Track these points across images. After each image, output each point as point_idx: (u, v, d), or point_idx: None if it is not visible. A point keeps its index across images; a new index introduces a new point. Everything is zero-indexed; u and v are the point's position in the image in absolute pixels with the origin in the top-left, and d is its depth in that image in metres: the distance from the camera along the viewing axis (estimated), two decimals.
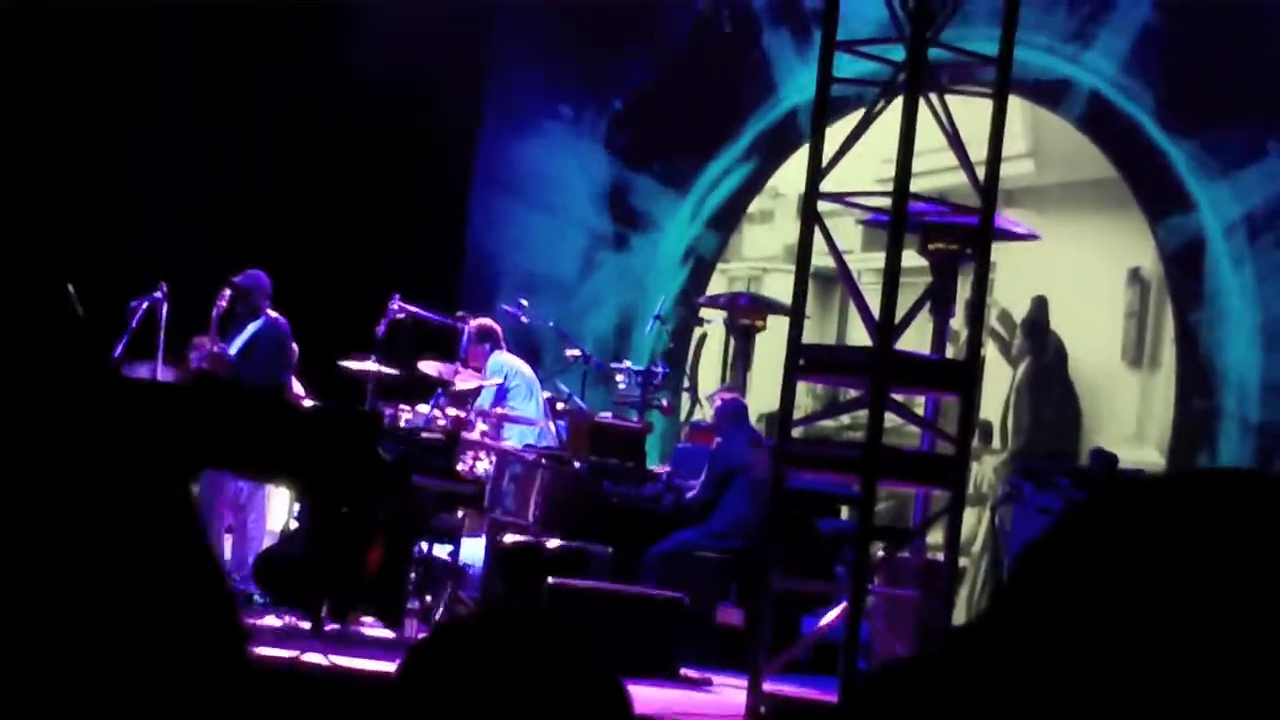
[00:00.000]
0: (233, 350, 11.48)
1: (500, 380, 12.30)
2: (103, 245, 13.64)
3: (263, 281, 11.65)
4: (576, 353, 13.43)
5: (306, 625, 10.04)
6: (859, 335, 9.30)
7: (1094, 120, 14.42)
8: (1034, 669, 1.07)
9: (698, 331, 14.89)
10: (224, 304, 11.45)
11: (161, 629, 1.03)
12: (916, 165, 8.68)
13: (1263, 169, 13.55)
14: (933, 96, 8.66)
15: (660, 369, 13.35)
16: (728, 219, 16.30)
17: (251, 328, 11.56)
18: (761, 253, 16.29)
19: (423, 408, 11.72)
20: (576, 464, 12.02)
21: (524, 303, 13.51)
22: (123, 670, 1.00)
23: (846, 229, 12.43)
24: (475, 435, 11.44)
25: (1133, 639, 1.05)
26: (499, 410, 12.12)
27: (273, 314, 11.61)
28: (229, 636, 1.08)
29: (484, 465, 11.27)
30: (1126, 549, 1.08)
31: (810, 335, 10.60)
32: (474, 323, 12.58)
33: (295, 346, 11.90)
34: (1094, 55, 14.42)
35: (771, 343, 12.21)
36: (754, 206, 16.39)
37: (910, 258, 9.11)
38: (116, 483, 1.05)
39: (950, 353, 10.69)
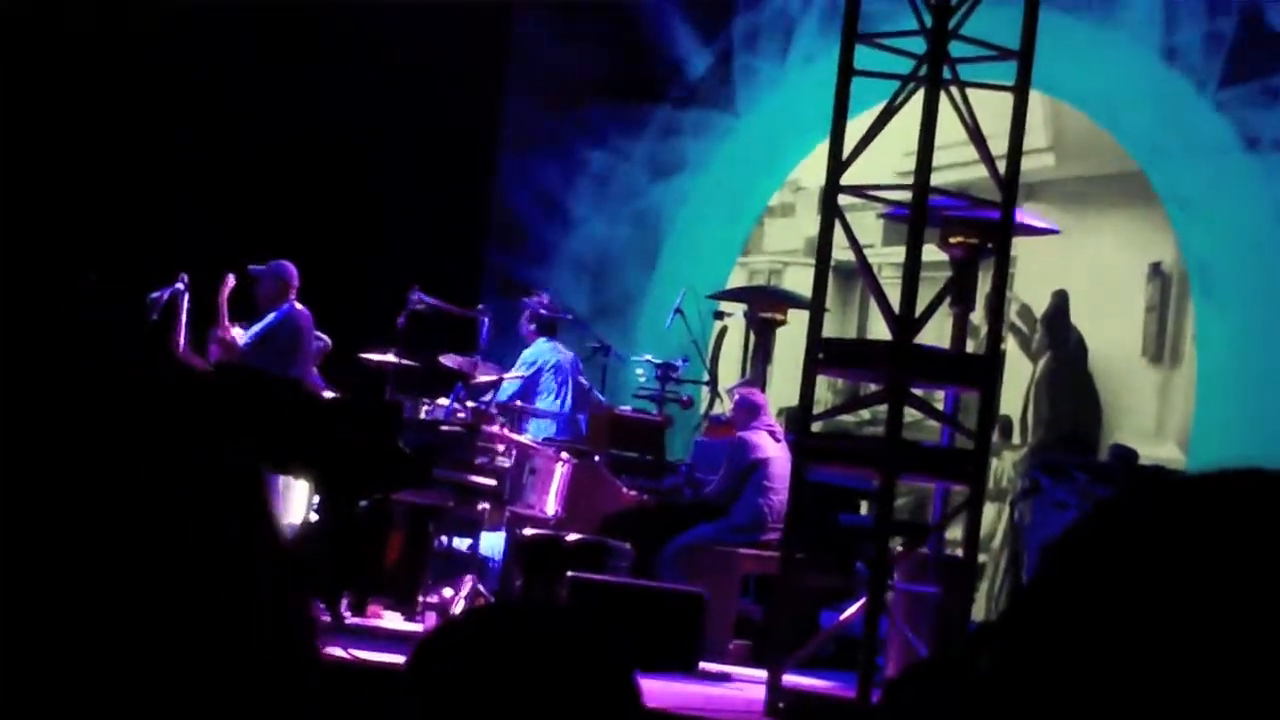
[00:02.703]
0: (248, 339, 11.48)
1: (524, 373, 12.35)
2: (124, 236, 13.67)
3: (283, 271, 11.59)
4: (596, 345, 13.44)
5: (326, 618, 10.06)
6: (879, 329, 9.30)
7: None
8: (1058, 670, 1.07)
9: (718, 325, 14.87)
10: (227, 291, 11.47)
11: (237, 617, 1.03)
12: (939, 159, 8.66)
13: None
14: (953, 90, 8.64)
15: (680, 362, 13.35)
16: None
17: (270, 317, 11.55)
18: (782, 246, 16.27)
19: (443, 401, 11.74)
20: (596, 457, 12.03)
21: (544, 296, 13.52)
22: (197, 659, 1.00)
23: (867, 223, 12.41)
24: (495, 428, 11.45)
25: (1162, 643, 1.04)
26: (518, 404, 12.14)
27: (298, 306, 11.58)
28: (301, 627, 1.08)
29: (504, 460, 11.28)
30: (1157, 549, 1.07)
31: (830, 329, 10.59)
32: (534, 301, 12.79)
33: (323, 340, 11.87)
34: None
35: (792, 337, 12.20)
36: (774, 200, 16.38)
37: (930, 252, 9.09)
38: (195, 469, 1.05)
39: (970, 347, 10.67)
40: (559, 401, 12.52)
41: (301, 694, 1.05)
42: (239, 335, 11.54)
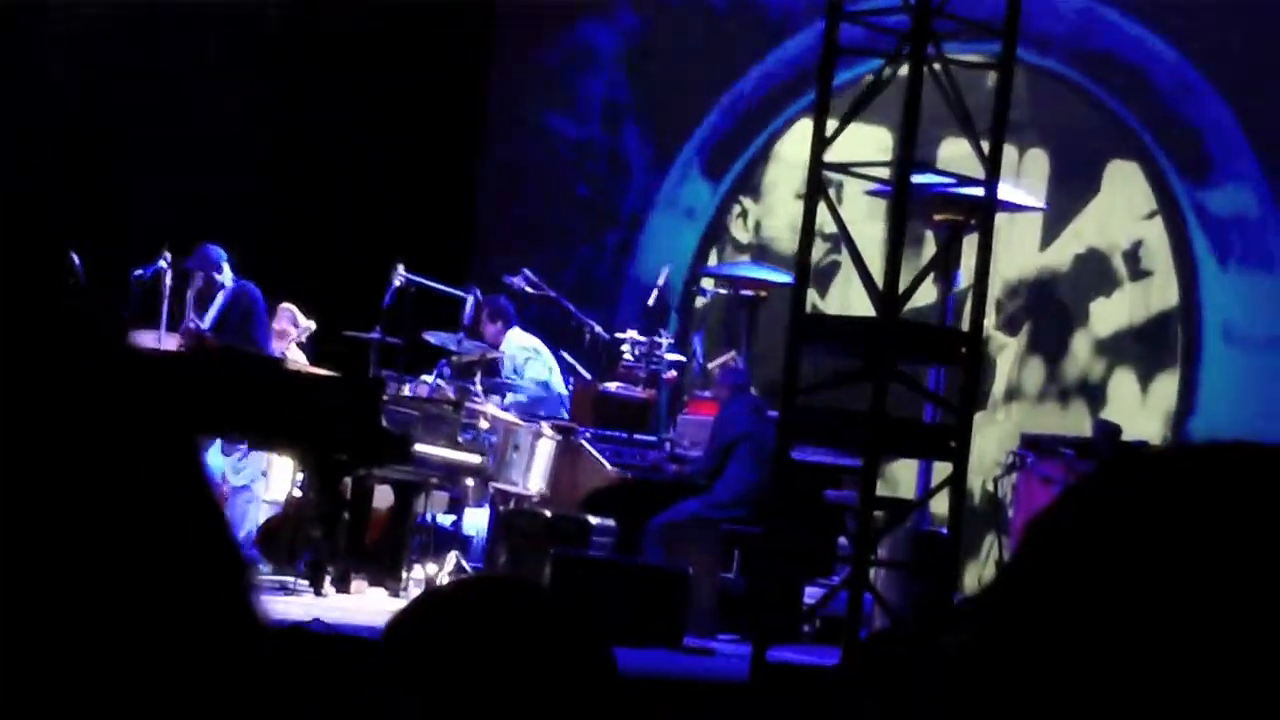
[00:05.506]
0: (208, 324, 11.58)
1: (511, 354, 12.35)
2: (107, 213, 13.63)
3: (208, 255, 11.72)
4: (580, 322, 13.42)
5: (309, 593, 10.05)
6: (862, 306, 9.28)
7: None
8: (1035, 649, 1.06)
9: (701, 302, 14.87)
10: (199, 285, 11.60)
11: (174, 595, 1.02)
12: (938, 131, 8.65)
13: None
14: (937, 66, 8.63)
15: (664, 339, 13.33)
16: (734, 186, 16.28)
17: (220, 298, 11.67)
18: (765, 221, 16.25)
19: (427, 377, 11.72)
20: (580, 434, 12.02)
21: (528, 273, 13.49)
22: (135, 641, 1.00)
23: (854, 198, 12.40)
24: (481, 406, 11.43)
25: (1142, 620, 1.03)
26: (506, 381, 12.14)
27: (243, 281, 11.71)
28: (242, 602, 1.07)
29: (488, 431, 11.27)
30: (1138, 524, 1.07)
31: (810, 303, 10.59)
32: (485, 299, 12.60)
33: (308, 323, 11.85)
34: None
35: (775, 313, 12.18)
36: (757, 174, 16.35)
37: (915, 227, 9.08)
38: (127, 446, 1.04)
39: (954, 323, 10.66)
40: (547, 378, 12.53)
41: (244, 667, 1.05)
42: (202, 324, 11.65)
